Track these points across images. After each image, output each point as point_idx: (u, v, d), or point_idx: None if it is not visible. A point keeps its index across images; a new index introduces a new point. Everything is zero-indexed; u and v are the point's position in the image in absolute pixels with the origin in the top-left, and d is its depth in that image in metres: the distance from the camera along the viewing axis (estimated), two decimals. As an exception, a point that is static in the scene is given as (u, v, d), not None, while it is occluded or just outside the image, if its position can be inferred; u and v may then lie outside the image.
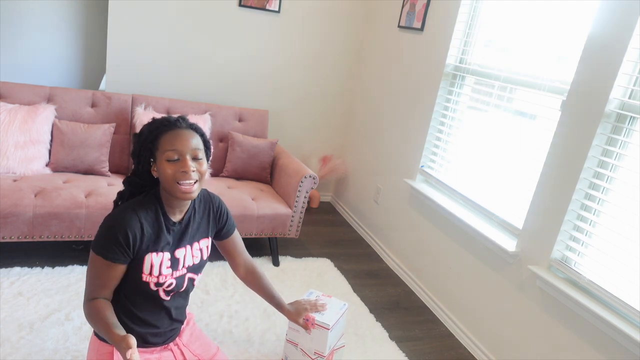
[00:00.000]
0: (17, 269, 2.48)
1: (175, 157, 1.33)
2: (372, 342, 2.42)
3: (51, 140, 2.77)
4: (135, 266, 1.36)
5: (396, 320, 2.68)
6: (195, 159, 1.36)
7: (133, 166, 1.43)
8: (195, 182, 1.35)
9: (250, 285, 1.80)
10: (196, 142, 1.37)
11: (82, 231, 2.51)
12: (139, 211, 1.36)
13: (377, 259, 3.41)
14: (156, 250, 1.38)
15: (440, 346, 2.55)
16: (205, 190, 1.59)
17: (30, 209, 2.38)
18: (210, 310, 2.42)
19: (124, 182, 1.47)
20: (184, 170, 1.32)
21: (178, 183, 1.32)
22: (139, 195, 1.42)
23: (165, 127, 1.36)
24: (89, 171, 2.84)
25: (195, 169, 1.34)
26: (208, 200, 1.57)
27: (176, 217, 1.44)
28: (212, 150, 1.50)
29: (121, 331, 1.23)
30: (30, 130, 2.66)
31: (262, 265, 2.97)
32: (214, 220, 1.57)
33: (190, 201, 1.46)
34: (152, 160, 1.37)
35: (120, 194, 1.46)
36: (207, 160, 1.44)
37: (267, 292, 1.81)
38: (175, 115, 1.42)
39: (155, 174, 1.38)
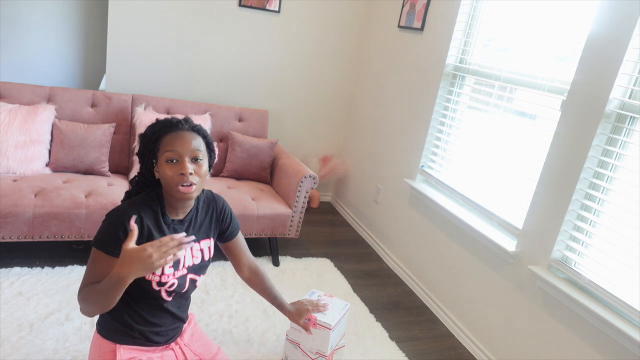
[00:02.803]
0: (17, 269, 2.48)
1: (174, 159, 1.34)
2: (372, 342, 2.42)
3: (51, 140, 2.77)
4: None
5: (396, 320, 2.68)
6: (194, 160, 1.36)
7: (139, 166, 1.45)
8: (193, 184, 1.35)
9: (253, 287, 1.80)
10: (197, 143, 1.38)
11: (82, 231, 2.51)
12: (139, 207, 1.37)
13: (377, 259, 3.41)
14: None
15: (440, 346, 2.55)
16: (210, 191, 1.60)
17: (30, 209, 2.38)
18: (210, 310, 2.42)
19: (130, 182, 1.48)
20: (182, 172, 1.33)
21: (176, 184, 1.33)
22: (142, 194, 1.43)
23: (168, 128, 1.37)
24: (89, 171, 2.84)
25: (193, 171, 1.35)
26: (212, 202, 1.57)
27: (178, 217, 1.45)
28: (216, 152, 1.50)
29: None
30: (30, 130, 2.66)
31: (262, 265, 2.96)
32: (216, 221, 1.57)
33: (192, 202, 1.47)
34: (154, 161, 1.39)
35: (127, 193, 1.48)
36: (211, 162, 1.45)
37: (270, 293, 1.82)
38: (180, 117, 1.43)
39: (157, 175, 1.39)
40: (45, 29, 3.63)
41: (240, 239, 1.71)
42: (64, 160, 2.76)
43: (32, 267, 2.53)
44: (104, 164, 2.87)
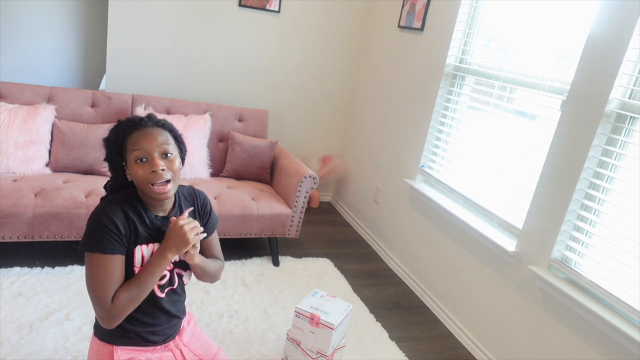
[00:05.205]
0: (17, 269, 2.48)
1: (143, 157, 1.29)
2: (372, 342, 2.42)
3: (51, 140, 2.77)
4: (127, 261, 1.34)
5: (396, 320, 2.68)
6: (164, 156, 1.32)
7: (111, 171, 1.39)
8: (168, 182, 1.31)
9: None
10: (164, 138, 1.33)
11: (82, 231, 2.51)
12: (120, 203, 1.33)
13: (377, 259, 3.41)
14: (145, 243, 1.37)
15: (440, 346, 2.55)
16: (192, 187, 1.56)
17: (30, 209, 2.38)
18: (210, 310, 2.42)
19: (105, 187, 1.43)
20: (154, 170, 1.28)
21: (151, 184, 1.29)
22: (119, 192, 1.39)
23: (130, 127, 1.32)
24: (89, 171, 2.84)
25: (165, 167, 1.30)
26: (193, 197, 1.54)
27: (160, 215, 1.42)
28: (186, 145, 1.44)
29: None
30: (30, 130, 2.66)
31: (262, 265, 2.97)
32: (198, 216, 1.54)
33: (170, 200, 1.43)
34: (123, 163, 1.34)
35: (103, 199, 1.42)
36: (183, 155, 1.41)
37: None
38: (143, 115, 1.38)
39: (130, 178, 1.35)
40: (45, 29, 3.63)
41: (213, 239, 1.61)
42: (64, 160, 2.76)
43: (32, 267, 2.53)
44: (104, 164, 2.87)
